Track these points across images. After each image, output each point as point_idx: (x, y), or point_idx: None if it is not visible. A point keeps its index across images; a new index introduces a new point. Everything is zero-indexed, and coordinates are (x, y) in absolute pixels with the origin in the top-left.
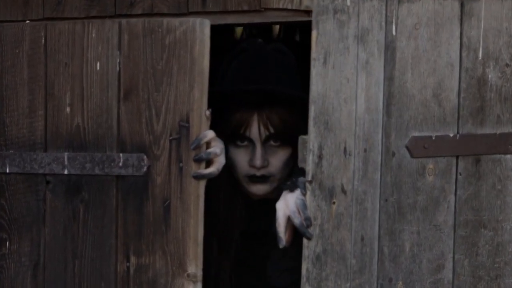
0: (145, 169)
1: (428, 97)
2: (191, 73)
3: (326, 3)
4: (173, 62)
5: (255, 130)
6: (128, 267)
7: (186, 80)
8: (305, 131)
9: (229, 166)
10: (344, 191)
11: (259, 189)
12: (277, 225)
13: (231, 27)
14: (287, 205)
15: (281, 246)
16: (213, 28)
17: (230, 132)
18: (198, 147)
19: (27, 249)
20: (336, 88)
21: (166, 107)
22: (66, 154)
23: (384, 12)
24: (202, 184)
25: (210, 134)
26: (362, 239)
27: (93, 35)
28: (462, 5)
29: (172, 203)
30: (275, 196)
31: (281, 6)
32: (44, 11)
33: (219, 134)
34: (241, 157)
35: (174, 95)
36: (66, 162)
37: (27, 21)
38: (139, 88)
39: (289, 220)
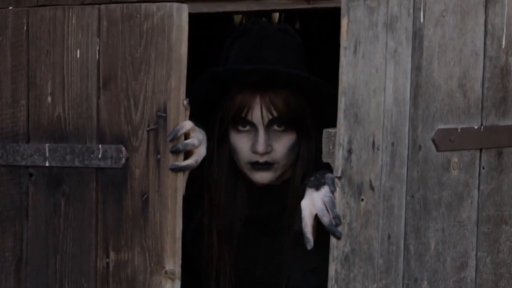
0: (123, 161)
1: (453, 87)
2: (168, 61)
3: None
4: (150, 50)
5: (257, 114)
6: (107, 263)
7: (164, 68)
8: (310, 116)
9: (231, 153)
10: (372, 187)
11: (262, 177)
12: (303, 224)
13: (229, 15)
14: (313, 204)
15: (309, 247)
16: (212, 16)
17: (231, 117)
18: (175, 138)
19: (11, 244)
20: (366, 79)
21: (144, 97)
22: (47, 146)
23: None
24: (180, 176)
25: (188, 124)
26: (389, 237)
27: (73, 21)
28: None
29: (150, 197)
30: (279, 183)
31: None
32: None
33: (221, 120)
34: (243, 143)
35: (152, 84)
36: (47, 154)
37: (10, 7)
38: (118, 76)
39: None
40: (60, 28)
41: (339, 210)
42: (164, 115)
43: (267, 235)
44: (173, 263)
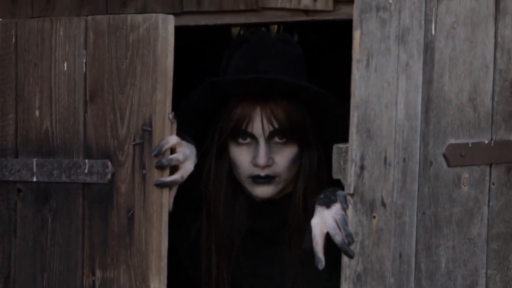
0: (109, 176)
1: (464, 101)
2: (153, 73)
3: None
4: (136, 62)
5: (258, 125)
6: (93, 281)
7: (149, 81)
8: (311, 127)
9: (231, 166)
10: (383, 204)
11: (263, 191)
12: (314, 244)
13: (227, 27)
14: (324, 222)
15: (320, 267)
16: (209, 29)
17: (231, 129)
18: (159, 153)
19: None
20: (378, 93)
21: (130, 110)
22: (35, 161)
23: (423, 9)
24: (166, 192)
25: (173, 139)
26: (400, 255)
27: (61, 33)
28: (496, 2)
29: (136, 213)
30: (280, 197)
31: (279, 6)
32: (33, 10)
33: (220, 132)
34: (244, 156)
35: (137, 97)
36: (35, 169)
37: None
38: (104, 89)
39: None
40: (48, 40)
41: (351, 228)
42: (149, 129)
43: (267, 248)
44: (158, 281)
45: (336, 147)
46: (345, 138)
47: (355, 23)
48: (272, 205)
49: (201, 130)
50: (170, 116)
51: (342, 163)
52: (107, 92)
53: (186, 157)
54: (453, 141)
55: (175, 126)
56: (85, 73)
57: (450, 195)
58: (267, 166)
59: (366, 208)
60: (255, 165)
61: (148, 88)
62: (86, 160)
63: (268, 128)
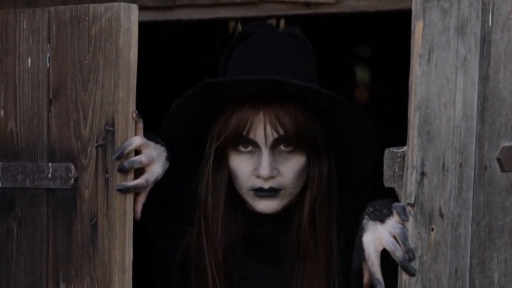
0: (72, 181)
1: None
2: (116, 68)
3: None
4: (99, 56)
5: (260, 132)
6: None
7: (112, 77)
8: (322, 134)
9: (230, 177)
10: (441, 215)
11: (267, 205)
12: (370, 264)
13: (223, 22)
14: (379, 238)
15: None
16: (204, 23)
17: (231, 135)
18: (122, 156)
19: None
20: (438, 91)
21: (93, 109)
22: (0, 164)
23: None
24: (130, 198)
25: (137, 140)
26: (456, 271)
27: (24, 26)
28: None
29: (99, 222)
30: (283, 210)
31: None
32: (16, 5)
33: (218, 139)
34: (245, 166)
35: (100, 95)
36: (0, 174)
37: None
38: (68, 87)
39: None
40: (12, 34)
41: (411, 242)
42: (112, 129)
43: (266, 266)
44: None
45: (389, 152)
46: (363, 148)
47: (417, 13)
48: (274, 215)
49: (196, 136)
50: (134, 115)
51: (397, 170)
52: (70, 90)
53: (151, 159)
54: (506, 143)
55: (140, 126)
56: (49, 69)
57: (503, 203)
58: (271, 177)
59: (425, 219)
60: (258, 176)
61: (111, 84)
62: (50, 164)
63: (272, 135)
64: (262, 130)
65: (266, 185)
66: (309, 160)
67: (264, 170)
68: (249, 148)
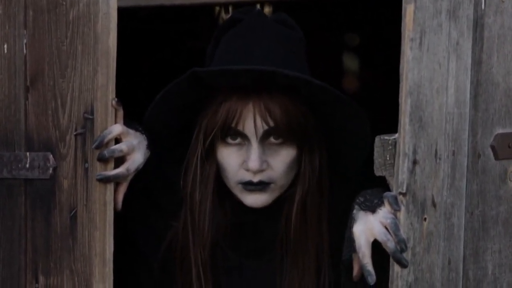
0: (50, 171)
1: (510, 85)
2: (94, 54)
3: None
4: (77, 42)
5: (250, 124)
6: None
7: (90, 63)
8: (313, 126)
9: (218, 170)
10: (434, 204)
11: (256, 200)
12: (361, 255)
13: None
14: (370, 229)
15: (372, 282)
16: (192, 9)
17: (219, 127)
18: (101, 145)
19: None
20: (430, 76)
21: (72, 96)
22: None
23: None
24: (110, 188)
25: (117, 128)
26: (449, 262)
27: (0, 11)
28: None
29: (79, 213)
30: (272, 204)
31: None
32: None
33: (206, 131)
34: (233, 159)
35: (79, 82)
36: None
37: None
38: (45, 73)
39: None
40: None
41: (403, 233)
42: (91, 117)
43: (253, 262)
44: None
45: (380, 139)
46: (356, 140)
47: None
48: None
49: (182, 125)
50: (114, 102)
51: (388, 158)
52: (48, 77)
53: (132, 147)
54: (500, 130)
55: (121, 114)
56: (26, 56)
57: (497, 191)
58: (260, 170)
59: (417, 209)
60: (247, 169)
61: (90, 71)
62: (28, 153)
63: (262, 127)
64: (252, 121)
65: (255, 179)
66: (300, 152)
67: (253, 163)
68: (238, 140)
